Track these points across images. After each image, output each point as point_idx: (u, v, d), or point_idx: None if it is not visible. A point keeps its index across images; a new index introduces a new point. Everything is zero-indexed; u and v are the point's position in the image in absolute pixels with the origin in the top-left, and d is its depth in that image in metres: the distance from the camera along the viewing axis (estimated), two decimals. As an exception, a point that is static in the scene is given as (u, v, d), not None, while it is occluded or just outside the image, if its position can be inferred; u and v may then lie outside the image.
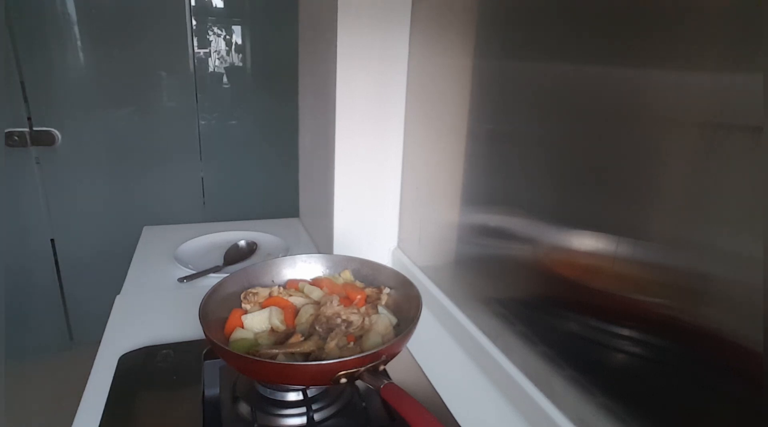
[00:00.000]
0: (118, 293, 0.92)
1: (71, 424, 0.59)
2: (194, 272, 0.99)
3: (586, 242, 0.53)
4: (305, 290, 0.69)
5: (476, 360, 0.73)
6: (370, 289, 0.69)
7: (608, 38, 0.48)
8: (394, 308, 0.66)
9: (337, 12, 0.86)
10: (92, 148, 1.81)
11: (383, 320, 0.62)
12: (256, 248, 1.13)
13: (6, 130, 1.70)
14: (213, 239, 1.17)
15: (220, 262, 1.05)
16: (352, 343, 0.59)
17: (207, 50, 1.87)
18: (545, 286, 0.61)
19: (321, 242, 1.13)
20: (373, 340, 0.59)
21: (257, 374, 0.58)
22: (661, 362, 0.45)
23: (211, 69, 1.90)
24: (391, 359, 0.57)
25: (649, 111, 0.44)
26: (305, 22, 1.15)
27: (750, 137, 0.35)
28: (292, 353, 0.56)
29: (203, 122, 1.92)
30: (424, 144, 0.90)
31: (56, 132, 1.75)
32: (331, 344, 0.57)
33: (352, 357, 0.52)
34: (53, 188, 1.81)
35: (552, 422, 0.56)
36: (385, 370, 0.57)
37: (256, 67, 1.96)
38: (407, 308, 0.64)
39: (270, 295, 0.68)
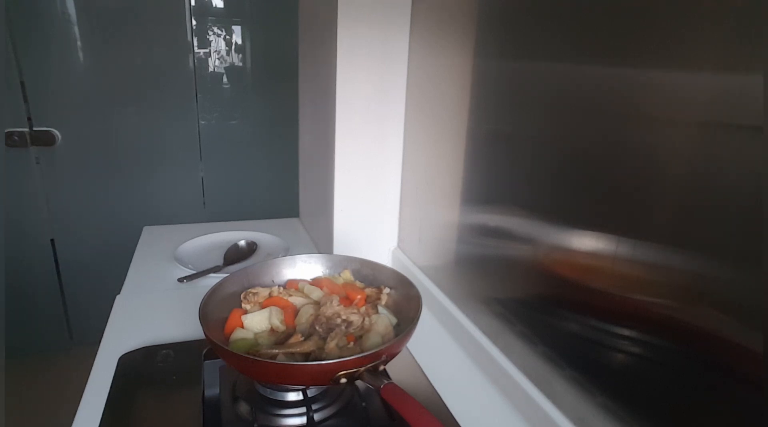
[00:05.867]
0: (118, 293, 0.92)
1: (71, 424, 0.59)
2: (194, 272, 0.99)
3: (586, 242, 0.53)
4: (305, 290, 0.69)
5: (476, 360, 0.73)
6: (370, 289, 0.69)
7: (608, 38, 0.48)
8: (394, 308, 0.66)
9: (337, 12, 0.86)
10: (92, 148, 1.81)
11: (383, 320, 0.62)
12: (256, 248, 1.13)
13: (6, 130, 1.70)
14: (213, 239, 1.17)
15: (220, 262, 1.05)
16: (352, 343, 0.59)
17: (207, 50, 1.87)
18: (545, 286, 0.60)
19: (321, 242, 1.13)
20: (373, 340, 0.59)
21: (257, 374, 0.58)
22: (660, 362, 0.45)
23: (211, 69, 1.90)
24: (391, 359, 0.57)
25: (649, 111, 0.44)
26: (305, 22, 1.15)
27: (750, 137, 0.35)
28: (292, 353, 0.56)
29: (203, 122, 1.92)
30: (424, 144, 0.90)
31: (56, 132, 1.76)
32: (331, 344, 0.57)
33: (352, 357, 0.51)
34: (53, 188, 1.81)
35: (552, 422, 0.56)
36: (385, 370, 0.57)
37: (256, 67, 1.96)
38: (407, 308, 0.64)
39: (270, 295, 0.68)
